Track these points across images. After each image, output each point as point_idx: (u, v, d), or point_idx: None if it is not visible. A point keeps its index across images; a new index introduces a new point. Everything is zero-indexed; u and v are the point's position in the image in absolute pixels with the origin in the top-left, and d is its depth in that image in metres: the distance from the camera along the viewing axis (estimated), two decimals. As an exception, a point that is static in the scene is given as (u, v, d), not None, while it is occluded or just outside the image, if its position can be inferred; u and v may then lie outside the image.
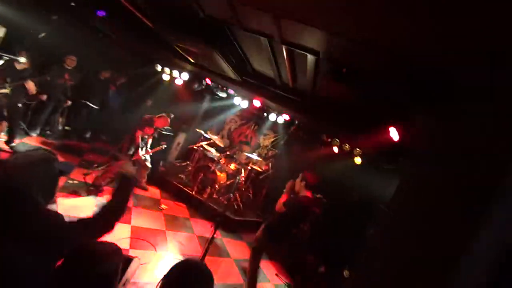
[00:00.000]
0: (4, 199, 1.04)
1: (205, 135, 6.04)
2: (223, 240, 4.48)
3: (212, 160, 5.79)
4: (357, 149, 4.92)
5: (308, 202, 3.15)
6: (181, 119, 6.93)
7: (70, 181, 3.96)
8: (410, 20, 1.44)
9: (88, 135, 6.20)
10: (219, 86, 5.95)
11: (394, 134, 3.15)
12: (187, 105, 7.07)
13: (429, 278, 0.90)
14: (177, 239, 3.83)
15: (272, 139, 7.08)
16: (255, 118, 7.11)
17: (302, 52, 2.66)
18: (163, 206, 4.64)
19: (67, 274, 1.05)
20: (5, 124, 4.17)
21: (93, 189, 4.00)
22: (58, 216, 1.18)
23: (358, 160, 4.98)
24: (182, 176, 5.86)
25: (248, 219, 5.29)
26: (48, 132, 5.36)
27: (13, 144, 4.24)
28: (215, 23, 2.99)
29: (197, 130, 6.33)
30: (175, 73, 6.09)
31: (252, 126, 7.26)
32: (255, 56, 3.83)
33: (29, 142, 4.72)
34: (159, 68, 6.30)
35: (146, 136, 4.63)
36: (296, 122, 5.74)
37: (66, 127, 5.82)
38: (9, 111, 4.20)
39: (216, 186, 5.47)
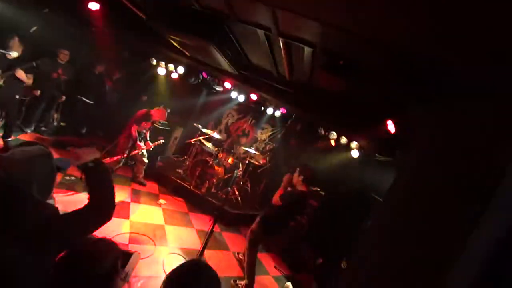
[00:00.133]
0: (2, 196, 1.03)
1: (202, 129, 6.02)
2: (222, 233, 4.52)
3: (209, 154, 5.78)
4: (354, 142, 4.94)
5: (304, 195, 3.19)
6: (177, 113, 6.89)
7: (67, 177, 3.94)
8: (408, 14, 1.42)
9: (84, 131, 6.15)
10: (216, 80, 5.90)
11: (391, 127, 3.16)
12: (184, 100, 7.02)
13: (425, 270, 0.91)
14: (176, 233, 3.86)
15: (270, 133, 7.07)
16: (253, 112, 7.09)
17: (299, 44, 2.64)
18: (161, 201, 4.65)
19: (67, 277, 1.04)
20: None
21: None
22: (55, 211, 1.17)
23: (355, 153, 5.01)
24: (180, 170, 5.85)
25: (246, 212, 5.33)
26: (43, 128, 5.30)
27: (9, 139, 4.17)
28: (211, 15, 2.94)
29: (194, 124, 6.30)
30: (171, 67, 6.01)
31: (250, 120, 7.24)
32: (252, 49, 3.78)
33: (23, 138, 4.67)
34: (154, 62, 6.21)
35: (144, 130, 4.60)
36: (293, 115, 5.73)
37: (61, 123, 5.75)
38: (5, 104, 4.12)
39: (214, 180, 5.48)
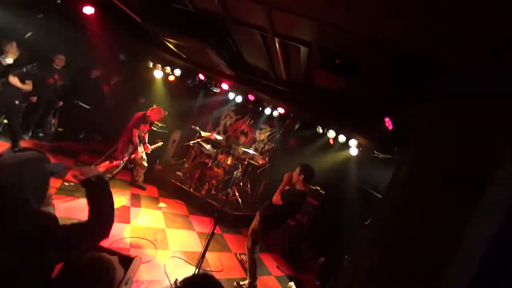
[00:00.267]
0: None
1: (201, 131, 6.01)
2: (223, 235, 4.51)
3: (208, 156, 5.78)
4: (353, 140, 4.95)
5: (304, 194, 3.20)
6: (175, 116, 6.88)
7: (67, 183, 3.92)
8: (408, 13, 1.43)
9: (82, 136, 6.12)
10: (213, 81, 5.89)
11: (389, 124, 3.17)
12: (181, 102, 7.00)
13: (424, 268, 0.91)
14: (177, 236, 3.84)
15: (268, 133, 7.07)
16: (251, 112, 7.09)
17: (294, 44, 2.64)
18: (161, 204, 4.64)
19: None
20: None
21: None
22: (50, 218, 1.15)
23: (354, 151, 5.01)
24: (179, 173, 5.84)
25: (247, 213, 5.32)
26: (40, 134, 5.27)
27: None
28: (206, 17, 2.94)
29: (193, 127, 6.29)
30: (167, 69, 6.00)
31: (248, 121, 7.24)
32: (248, 50, 3.78)
33: (21, 145, 4.64)
34: (150, 65, 6.20)
35: (143, 133, 4.58)
36: (291, 115, 5.73)
37: (59, 129, 5.73)
38: (6, 111, 4.08)
39: (214, 182, 5.47)
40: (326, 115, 4.54)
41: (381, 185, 4.40)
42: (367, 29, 1.79)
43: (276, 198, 3.08)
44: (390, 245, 1.11)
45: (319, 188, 5.25)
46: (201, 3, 2.77)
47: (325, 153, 5.89)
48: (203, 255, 2.81)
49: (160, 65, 6.06)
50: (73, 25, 4.91)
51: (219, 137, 6.05)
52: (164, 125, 6.20)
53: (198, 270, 2.78)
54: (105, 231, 1.26)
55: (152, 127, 5.13)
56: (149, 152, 4.67)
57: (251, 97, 5.64)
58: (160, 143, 4.78)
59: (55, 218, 1.16)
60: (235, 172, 3.13)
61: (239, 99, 5.96)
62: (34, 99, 4.69)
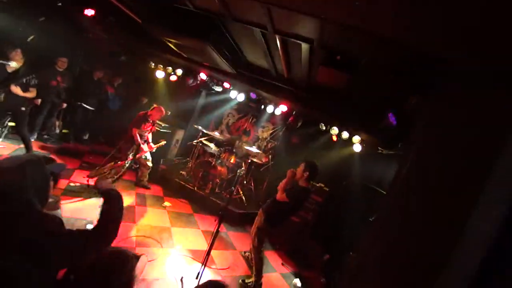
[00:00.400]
0: None
1: (204, 130, 6.03)
2: (228, 233, 4.53)
3: (212, 155, 5.79)
4: (356, 136, 4.92)
5: (308, 191, 3.22)
6: (178, 116, 6.91)
7: (72, 185, 3.98)
8: (401, 6, 1.41)
9: (86, 137, 6.18)
10: (214, 80, 5.89)
11: (392, 119, 3.14)
12: (183, 102, 7.03)
13: (426, 264, 0.91)
14: (182, 235, 3.88)
15: (271, 131, 7.07)
16: (253, 110, 7.08)
17: (295, 41, 2.63)
18: (166, 203, 4.68)
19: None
20: None
21: (96, 191, 4.02)
22: (55, 221, 1.15)
23: (357, 148, 4.99)
24: (183, 172, 5.88)
25: (251, 211, 5.34)
26: (45, 136, 5.34)
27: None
28: (206, 16, 2.94)
29: (195, 126, 6.31)
30: (169, 69, 6.02)
31: (250, 119, 7.24)
32: (249, 48, 3.78)
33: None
34: (152, 65, 6.22)
35: (146, 133, 4.59)
36: (294, 112, 5.72)
37: (63, 130, 5.79)
38: (13, 117, 4.13)
39: (218, 181, 5.50)
40: (329, 112, 4.52)
41: (386, 181, 4.38)
42: (365, 23, 1.77)
43: (281, 195, 3.08)
44: (392, 242, 1.11)
45: (323, 185, 5.25)
46: (201, 2, 2.77)
47: (329, 150, 5.87)
48: (208, 253, 2.84)
49: (161, 65, 6.09)
50: (75, 27, 4.94)
51: (223, 136, 6.06)
52: (167, 125, 6.23)
53: (204, 268, 2.81)
54: (109, 240, 1.29)
55: (156, 127, 5.16)
56: (153, 151, 4.69)
57: (253, 96, 5.64)
58: (163, 142, 4.80)
59: (60, 222, 1.17)
60: (238, 171, 3.13)
61: (241, 97, 5.96)
62: (38, 101, 4.74)
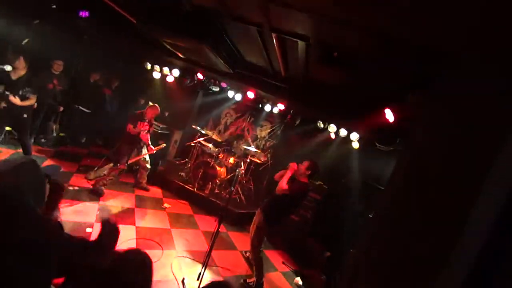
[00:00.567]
0: None
1: (202, 131, 6.01)
2: (228, 233, 4.53)
3: (210, 155, 5.78)
4: (354, 133, 4.93)
5: (308, 187, 3.24)
6: (176, 116, 6.89)
7: (71, 188, 3.95)
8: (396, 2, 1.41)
9: (83, 140, 6.15)
10: (212, 80, 5.88)
11: (389, 115, 3.15)
12: (181, 102, 7.01)
13: (423, 262, 0.91)
14: (182, 236, 3.87)
15: (269, 130, 7.06)
16: (251, 110, 7.07)
17: (292, 38, 2.63)
18: (166, 205, 4.66)
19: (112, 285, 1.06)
20: None
21: (95, 194, 4.01)
22: (55, 224, 1.15)
23: (355, 144, 5.00)
24: (182, 173, 5.86)
25: (250, 211, 5.34)
26: (42, 140, 5.30)
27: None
28: (203, 15, 2.92)
29: (193, 126, 6.29)
30: (166, 70, 5.99)
31: (248, 118, 7.23)
32: (245, 47, 3.77)
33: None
34: (148, 66, 6.20)
35: (144, 132, 4.52)
36: (292, 111, 5.72)
37: (61, 134, 5.75)
38: (16, 125, 4.11)
39: (217, 181, 5.49)
40: (326, 109, 4.52)
41: (384, 178, 4.39)
42: (364, 19, 1.77)
43: (283, 187, 3.04)
44: (390, 240, 1.11)
45: (322, 183, 5.25)
46: (197, 1, 2.75)
47: (327, 147, 5.88)
48: (209, 254, 2.83)
49: (158, 66, 6.06)
50: (70, 29, 4.91)
51: (216, 135, 6.06)
52: (165, 126, 6.21)
53: (205, 269, 2.80)
54: (108, 254, 1.30)
55: (154, 128, 5.14)
56: (153, 153, 4.67)
57: (250, 95, 5.63)
58: (163, 145, 4.77)
59: (59, 225, 1.16)
60: (237, 170, 3.13)
61: (238, 97, 5.94)
62: (35, 105, 4.71)
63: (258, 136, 7.17)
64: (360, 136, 4.89)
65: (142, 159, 4.57)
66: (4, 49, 4.02)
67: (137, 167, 4.87)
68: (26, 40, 4.83)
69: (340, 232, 4.37)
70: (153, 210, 4.33)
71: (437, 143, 1.07)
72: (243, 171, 5.68)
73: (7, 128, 4.42)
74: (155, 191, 5.08)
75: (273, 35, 2.69)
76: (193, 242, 3.83)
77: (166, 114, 6.80)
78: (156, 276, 2.81)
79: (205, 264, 2.80)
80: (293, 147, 6.44)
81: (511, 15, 1.04)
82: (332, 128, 5.10)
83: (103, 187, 4.11)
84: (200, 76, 5.73)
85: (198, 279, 2.81)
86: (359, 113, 4.00)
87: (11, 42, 4.37)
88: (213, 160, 5.51)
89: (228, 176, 5.69)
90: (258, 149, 6.51)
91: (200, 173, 5.47)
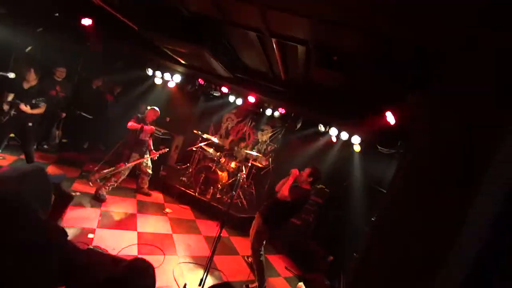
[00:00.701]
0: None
1: (203, 136, 6.03)
2: (230, 238, 4.51)
3: (212, 160, 5.79)
4: (355, 136, 4.93)
5: (309, 193, 3.21)
6: (177, 122, 6.92)
7: (73, 193, 3.96)
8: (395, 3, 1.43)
9: (86, 146, 6.18)
10: (212, 85, 5.92)
11: (390, 118, 3.15)
12: (182, 108, 7.05)
13: (423, 264, 0.90)
14: (184, 241, 3.85)
15: (270, 134, 7.07)
16: (251, 114, 7.10)
17: (291, 43, 2.65)
18: (167, 210, 4.66)
19: None
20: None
21: (97, 200, 4.01)
22: (59, 231, 1.15)
23: (356, 148, 4.99)
24: (183, 178, 5.86)
25: (252, 215, 5.31)
26: (45, 146, 5.34)
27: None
28: (202, 21, 2.96)
29: (195, 131, 6.31)
30: (167, 76, 6.04)
31: (249, 123, 7.25)
32: (245, 52, 3.80)
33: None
34: (150, 72, 6.25)
35: (147, 138, 4.54)
36: (292, 114, 5.73)
37: (63, 140, 5.79)
38: (19, 133, 4.14)
39: (219, 186, 5.48)
40: (327, 113, 4.53)
41: (386, 180, 4.37)
42: (361, 21, 1.78)
43: (284, 194, 3.04)
44: (390, 240, 1.10)
45: (324, 187, 5.23)
46: (196, 7, 2.80)
47: (328, 151, 5.87)
48: (211, 259, 2.81)
49: (159, 72, 6.11)
50: (72, 37, 4.97)
51: (218, 139, 6.07)
52: (166, 131, 6.23)
53: (207, 274, 2.78)
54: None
55: (155, 134, 5.16)
56: (155, 158, 4.68)
57: (251, 99, 5.66)
58: (165, 149, 4.78)
59: (64, 232, 1.17)
60: (239, 175, 3.13)
61: (239, 101, 5.97)
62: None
63: (260, 140, 7.17)
64: (361, 139, 4.89)
65: (144, 164, 4.58)
66: (8, 56, 4.08)
67: (139, 172, 4.88)
68: (29, 48, 4.90)
69: (343, 236, 4.34)
70: (154, 215, 4.32)
71: (436, 143, 1.07)
72: (244, 176, 5.68)
73: (11, 135, 4.45)
74: (157, 196, 5.08)
75: (273, 40, 2.72)
76: (194, 247, 3.81)
77: (168, 119, 6.84)
78: (158, 282, 2.78)
79: (207, 269, 2.78)
80: (294, 151, 6.44)
81: (510, 15, 1.05)
82: (333, 131, 5.10)
83: (105, 193, 4.12)
84: (201, 81, 5.77)
85: (200, 285, 2.79)
86: (360, 116, 4.01)
87: (15, 50, 4.44)
88: (214, 164, 5.52)
89: (230, 181, 5.68)
90: (260, 153, 6.52)
91: (202, 178, 5.47)
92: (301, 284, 3.80)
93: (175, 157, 6.94)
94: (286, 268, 4.22)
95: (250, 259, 3.90)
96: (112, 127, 6.40)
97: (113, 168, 4.19)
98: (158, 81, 6.24)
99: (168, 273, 3.01)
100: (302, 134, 6.05)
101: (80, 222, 3.33)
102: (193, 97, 7.09)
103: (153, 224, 3.99)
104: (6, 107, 3.94)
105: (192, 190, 5.39)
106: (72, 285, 1.21)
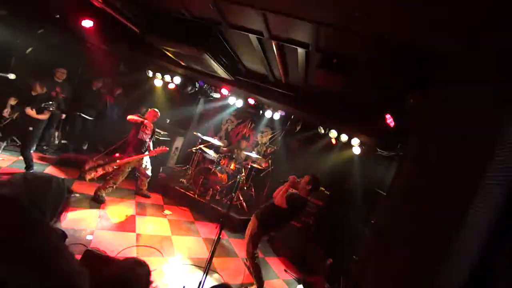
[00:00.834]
0: (7, 214, 1.03)
1: (203, 137, 6.03)
2: (229, 240, 4.49)
3: (211, 162, 5.79)
4: (355, 139, 4.93)
5: (306, 201, 3.20)
6: (177, 123, 6.92)
7: (72, 195, 3.95)
8: (393, 6, 1.44)
9: (85, 147, 6.17)
10: (212, 87, 5.93)
11: (390, 121, 3.16)
12: (182, 109, 7.05)
13: (422, 267, 0.90)
14: (183, 243, 3.84)
15: (270, 136, 7.08)
16: (251, 116, 7.11)
17: (291, 46, 2.66)
18: (166, 211, 4.64)
19: None
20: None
21: (96, 201, 4.00)
22: (60, 236, 1.17)
23: (356, 150, 4.99)
24: (183, 180, 5.85)
25: (251, 217, 5.30)
26: (45, 147, 5.33)
27: (32, 172, 4.19)
28: (203, 24, 2.97)
29: (194, 133, 6.32)
30: (167, 77, 6.06)
31: (249, 125, 7.26)
32: (246, 55, 3.81)
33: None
34: (150, 74, 6.27)
35: (147, 139, 4.53)
36: (292, 116, 5.74)
37: (63, 141, 5.78)
38: (21, 136, 4.15)
39: (218, 187, 5.47)
40: (327, 115, 4.54)
41: (386, 183, 4.37)
42: (360, 25, 1.79)
43: (281, 200, 3.06)
44: (390, 245, 1.10)
45: (323, 189, 5.22)
46: (197, 10, 2.81)
47: (328, 153, 5.87)
48: (209, 261, 2.80)
49: (159, 74, 6.13)
50: (73, 38, 4.99)
51: (217, 141, 6.07)
52: (166, 133, 6.23)
53: (206, 276, 2.77)
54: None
55: (155, 136, 5.16)
56: (155, 157, 4.66)
57: (251, 101, 5.66)
58: (165, 148, 4.77)
59: (64, 234, 1.18)
60: (238, 176, 3.12)
61: (239, 103, 5.98)
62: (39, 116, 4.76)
63: (259, 142, 7.18)
64: (361, 141, 4.89)
65: (143, 166, 4.57)
66: (9, 58, 4.10)
67: (138, 174, 4.87)
68: (30, 49, 4.91)
69: (343, 238, 4.33)
70: (154, 217, 4.31)
71: (438, 144, 1.08)
72: (244, 177, 5.67)
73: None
74: (156, 198, 5.07)
75: (273, 42, 2.73)
76: (194, 249, 3.79)
77: (167, 121, 6.84)
78: (156, 284, 2.77)
79: (206, 272, 2.77)
80: (294, 153, 6.44)
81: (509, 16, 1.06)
82: (333, 133, 5.11)
83: (104, 195, 4.11)
84: (201, 83, 5.79)
85: (199, 287, 2.77)
86: (359, 118, 4.02)
87: (16, 51, 4.45)
88: (214, 166, 5.51)
89: (229, 183, 5.68)
90: (259, 155, 6.51)
91: (201, 180, 5.46)
92: (300, 286, 3.78)
93: (174, 158, 6.93)
94: (285, 270, 4.20)
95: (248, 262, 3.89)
96: (111, 128, 6.39)
97: (108, 159, 4.16)
98: (158, 82, 6.25)
99: (167, 275, 3.00)
100: (302, 136, 6.06)
101: (79, 223, 3.31)
102: (193, 99, 7.10)
103: (152, 226, 3.98)
104: (6, 112, 3.96)
105: (191, 192, 5.38)
106: None
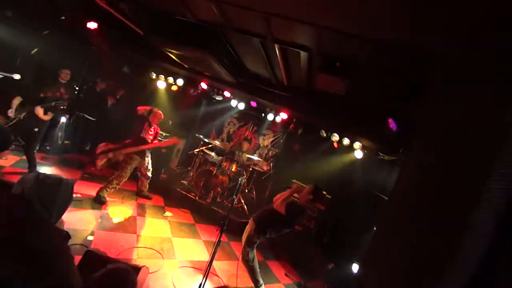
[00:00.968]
0: (17, 214, 1.04)
1: (205, 139, 6.04)
2: (230, 243, 4.47)
3: (213, 164, 5.79)
4: (357, 142, 4.92)
5: (305, 211, 3.19)
6: (179, 125, 6.94)
7: (74, 195, 3.95)
8: (394, 10, 1.44)
9: (88, 148, 6.20)
10: (215, 89, 5.95)
11: (392, 125, 3.15)
12: (184, 111, 7.08)
13: (424, 274, 0.89)
14: (184, 245, 3.82)
15: (272, 139, 7.08)
16: (253, 118, 7.12)
17: (294, 49, 2.67)
18: (167, 213, 4.64)
19: None
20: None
21: (97, 202, 4.00)
22: (64, 236, 1.19)
23: (358, 154, 4.97)
24: (184, 182, 5.85)
25: (253, 220, 5.28)
26: (47, 147, 5.36)
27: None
28: (206, 26, 2.99)
29: (196, 135, 6.33)
30: (170, 80, 6.09)
31: (251, 127, 7.27)
32: (249, 57, 3.83)
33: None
34: (153, 76, 6.31)
35: (149, 139, 4.55)
36: (294, 120, 5.74)
37: (66, 141, 5.82)
38: (25, 137, 4.19)
39: (219, 190, 5.47)
40: (329, 118, 4.53)
41: (388, 187, 4.34)
42: (363, 29, 1.80)
43: (280, 206, 3.04)
44: (393, 250, 1.09)
45: (325, 193, 5.20)
46: (201, 13, 2.83)
47: (330, 156, 5.85)
48: (210, 264, 2.79)
49: (162, 76, 6.16)
50: (78, 40, 5.04)
51: (219, 143, 6.08)
52: (168, 134, 6.25)
53: (206, 279, 2.75)
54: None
55: (158, 138, 5.17)
56: (162, 148, 4.68)
57: (253, 104, 5.67)
58: (177, 140, 4.75)
59: (68, 235, 1.19)
60: (240, 179, 3.11)
61: (241, 106, 5.99)
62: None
63: (261, 145, 7.17)
64: (363, 145, 4.88)
65: (144, 166, 4.58)
66: (14, 58, 4.15)
67: (140, 175, 4.88)
68: (35, 50, 4.97)
69: (344, 243, 4.29)
70: (154, 218, 4.30)
71: (440, 147, 1.07)
72: (245, 180, 5.66)
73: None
74: (157, 199, 5.07)
75: (276, 46, 2.74)
76: (194, 251, 3.78)
77: (170, 122, 6.86)
78: (156, 286, 2.76)
79: (206, 274, 2.75)
80: (296, 156, 6.43)
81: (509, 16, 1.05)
82: (335, 137, 5.09)
83: (105, 195, 4.12)
84: (203, 85, 5.81)
85: (198, 290, 2.76)
86: (362, 122, 4.01)
87: (21, 52, 4.51)
88: (215, 168, 5.51)
89: (231, 185, 5.67)
90: (261, 158, 6.51)
91: (202, 182, 5.47)
92: (301, 291, 3.75)
93: (176, 160, 6.94)
94: (286, 275, 4.17)
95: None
96: (114, 130, 6.42)
97: (119, 145, 4.19)
98: (161, 84, 6.28)
99: (166, 277, 2.99)
100: (304, 139, 6.04)
101: (80, 224, 3.32)
102: (195, 101, 7.13)
103: (152, 228, 3.97)
104: (11, 112, 4.00)
105: (192, 194, 5.38)
106: None
